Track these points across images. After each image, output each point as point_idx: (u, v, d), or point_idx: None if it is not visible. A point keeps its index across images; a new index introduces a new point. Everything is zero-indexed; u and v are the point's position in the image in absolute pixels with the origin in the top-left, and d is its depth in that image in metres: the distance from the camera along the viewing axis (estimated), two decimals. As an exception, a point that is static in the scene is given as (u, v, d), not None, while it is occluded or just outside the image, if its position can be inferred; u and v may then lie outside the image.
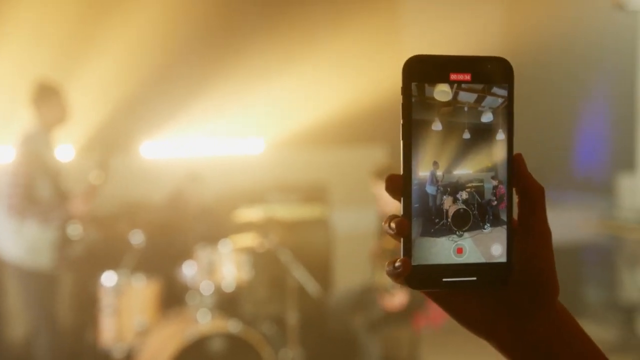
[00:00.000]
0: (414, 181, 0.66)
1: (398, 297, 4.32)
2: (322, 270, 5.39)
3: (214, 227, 4.92)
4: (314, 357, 4.70)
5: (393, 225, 0.65)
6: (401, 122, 0.65)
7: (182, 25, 5.71)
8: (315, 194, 5.65)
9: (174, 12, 5.65)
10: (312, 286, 4.46)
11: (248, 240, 4.58)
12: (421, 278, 0.66)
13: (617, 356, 5.19)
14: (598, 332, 5.57)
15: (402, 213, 0.66)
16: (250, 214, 4.71)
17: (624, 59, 5.97)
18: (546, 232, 0.68)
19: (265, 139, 6.02)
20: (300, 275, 4.47)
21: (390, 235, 0.66)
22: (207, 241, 4.53)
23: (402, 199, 0.66)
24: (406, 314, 4.32)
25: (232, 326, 4.09)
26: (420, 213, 0.66)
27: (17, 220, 4.18)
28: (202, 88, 5.71)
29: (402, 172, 0.66)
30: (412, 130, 0.65)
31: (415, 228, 0.66)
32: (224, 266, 4.40)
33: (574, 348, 0.67)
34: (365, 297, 4.54)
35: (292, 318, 4.47)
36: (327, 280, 5.49)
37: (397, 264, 0.65)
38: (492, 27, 6.62)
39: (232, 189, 5.63)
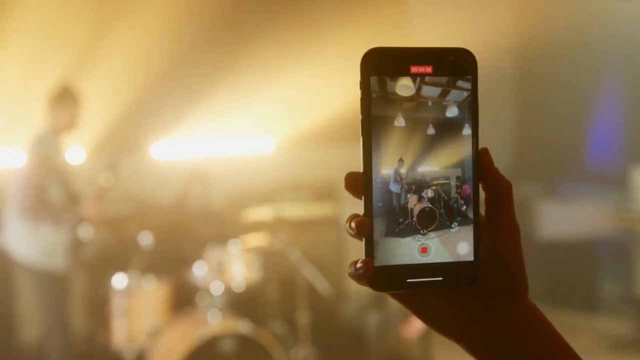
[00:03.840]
0: (377, 179, 0.64)
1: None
2: (332, 269, 5.36)
3: (224, 227, 4.92)
4: (326, 356, 4.68)
5: (353, 224, 0.63)
6: (360, 117, 0.63)
7: (190, 26, 5.71)
8: (325, 192, 5.63)
9: (182, 12, 5.65)
10: (322, 285, 4.45)
11: (258, 239, 4.57)
12: (385, 279, 0.64)
13: (634, 351, 5.13)
14: (614, 326, 5.51)
15: (363, 212, 0.64)
16: (260, 213, 4.70)
17: (635, 49, 5.90)
18: (514, 228, 0.65)
19: (275, 137, 6.00)
20: (311, 274, 4.46)
21: (351, 235, 0.64)
22: (217, 241, 4.52)
23: (362, 197, 0.64)
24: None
25: (243, 326, 4.09)
26: (384, 212, 0.64)
27: (30, 223, 4.21)
28: (211, 88, 5.70)
29: (362, 170, 0.64)
30: (372, 126, 0.63)
31: (379, 228, 0.64)
32: (234, 266, 4.39)
33: (546, 347, 0.65)
34: (378, 296, 4.52)
35: (303, 317, 4.46)
36: (337, 279, 5.46)
37: (358, 265, 0.63)
38: (501, 21, 6.56)
39: (242, 188, 5.62)
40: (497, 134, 6.44)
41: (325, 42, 5.78)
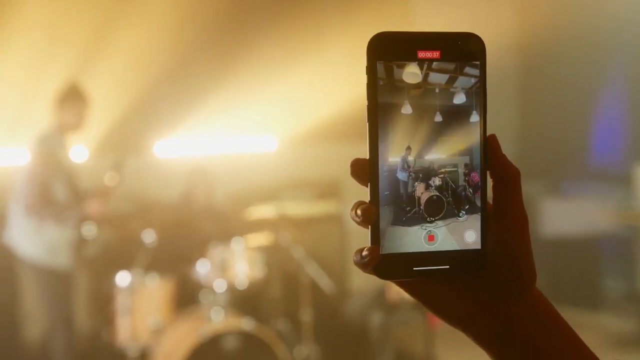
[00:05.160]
0: (384, 167, 0.63)
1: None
2: (335, 266, 5.36)
3: (227, 225, 4.92)
4: (329, 353, 4.68)
5: (359, 212, 0.63)
6: (366, 103, 0.63)
7: (192, 24, 5.71)
8: (328, 190, 5.62)
9: (185, 11, 5.65)
10: (325, 283, 4.44)
11: (261, 237, 4.57)
12: (391, 267, 0.63)
13: (637, 348, 5.12)
14: (617, 324, 5.50)
15: (369, 199, 0.63)
16: (263, 211, 4.69)
17: (639, 46, 5.88)
18: (522, 216, 0.65)
19: (278, 136, 6.00)
20: (314, 271, 4.46)
21: (357, 222, 0.63)
22: (220, 239, 4.52)
23: (369, 184, 0.63)
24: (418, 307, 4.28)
25: (246, 324, 4.08)
26: (390, 201, 0.63)
27: (35, 220, 4.21)
28: (214, 86, 5.70)
29: (368, 157, 0.63)
30: (378, 113, 0.63)
31: (386, 216, 0.63)
32: (237, 264, 4.39)
33: (553, 337, 0.65)
34: (381, 293, 4.52)
35: (306, 315, 4.45)
36: (340, 277, 5.46)
37: (364, 253, 0.62)
38: (504, 18, 6.55)
39: (245, 186, 5.62)
40: (500, 132, 6.37)
41: (327, 40, 5.78)
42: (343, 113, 5.68)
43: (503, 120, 6.63)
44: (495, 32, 5.91)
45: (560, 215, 6.02)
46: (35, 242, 4.26)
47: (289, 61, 5.82)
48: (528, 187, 6.14)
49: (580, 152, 6.54)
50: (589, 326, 5.48)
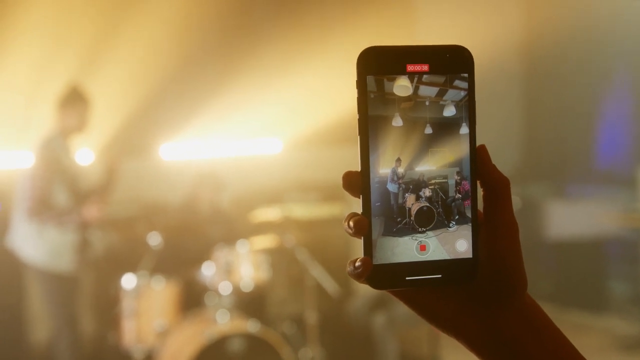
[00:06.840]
0: (374, 179, 0.64)
1: None
2: (340, 269, 5.37)
3: (232, 228, 4.94)
4: (334, 356, 4.69)
5: (351, 223, 0.64)
6: (357, 117, 0.64)
7: (197, 28, 5.73)
8: (333, 192, 5.63)
9: (189, 15, 5.67)
10: (330, 285, 4.45)
11: (266, 240, 4.58)
12: (384, 277, 0.64)
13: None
14: (623, 326, 5.49)
15: (361, 211, 0.65)
16: (268, 213, 4.71)
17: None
18: (512, 225, 0.66)
19: (283, 138, 6.01)
20: (319, 274, 4.47)
21: (350, 234, 0.65)
22: (225, 242, 4.54)
23: (360, 196, 0.65)
24: None
25: (251, 326, 4.10)
26: (382, 212, 0.64)
27: (35, 224, 4.23)
28: (219, 89, 5.72)
29: (360, 169, 0.64)
30: (369, 126, 0.64)
31: (377, 227, 0.64)
32: (243, 266, 4.40)
33: (545, 343, 0.66)
34: (385, 295, 4.52)
35: (311, 317, 4.47)
36: (345, 279, 5.46)
37: (357, 264, 0.64)
38: (508, 21, 6.55)
39: (251, 189, 5.64)
40: (505, 135, 6.43)
41: (331, 43, 5.78)
42: (348, 115, 5.68)
43: (508, 123, 6.63)
44: (499, 36, 5.91)
45: (565, 218, 6.01)
46: (37, 245, 4.27)
47: (294, 63, 5.84)
48: (533, 190, 6.17)
49: (585, 154, 6.53)
50: (594, 329, 5.47)
